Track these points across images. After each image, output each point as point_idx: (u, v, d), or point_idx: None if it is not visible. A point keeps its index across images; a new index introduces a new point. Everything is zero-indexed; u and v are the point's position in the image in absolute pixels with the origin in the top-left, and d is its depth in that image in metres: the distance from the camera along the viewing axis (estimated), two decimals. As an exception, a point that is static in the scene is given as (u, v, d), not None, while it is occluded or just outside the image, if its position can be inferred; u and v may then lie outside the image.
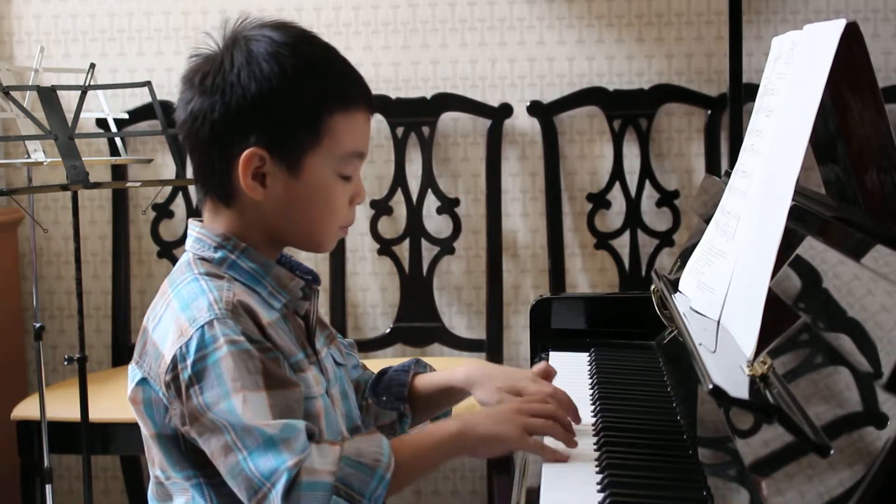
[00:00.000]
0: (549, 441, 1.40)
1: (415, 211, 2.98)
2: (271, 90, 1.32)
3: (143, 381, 1.32)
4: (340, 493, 1.21)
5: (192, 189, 2.89)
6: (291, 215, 1.36)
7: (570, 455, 1.38)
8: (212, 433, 1.24)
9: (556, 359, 1.87)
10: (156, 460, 1.35)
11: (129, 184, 2.68)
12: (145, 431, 1.35)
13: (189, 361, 1.26)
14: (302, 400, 1.29)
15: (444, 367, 1.66)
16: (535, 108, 2.93)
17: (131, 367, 1.35)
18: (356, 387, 1.58)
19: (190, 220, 1.42)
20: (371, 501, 1.22)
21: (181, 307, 1.30)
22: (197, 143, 1.36)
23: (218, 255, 1.36)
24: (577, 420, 1.47)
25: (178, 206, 3.01)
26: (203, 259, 1.36)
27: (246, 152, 1.32)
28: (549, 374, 1.57)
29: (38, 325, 2.44)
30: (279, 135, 1.33)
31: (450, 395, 1.57)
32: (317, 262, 2.99)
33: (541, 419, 1.37)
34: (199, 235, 1.38)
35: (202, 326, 1.27)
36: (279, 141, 1.33)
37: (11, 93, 2.33)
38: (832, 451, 0.96)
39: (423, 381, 1.57)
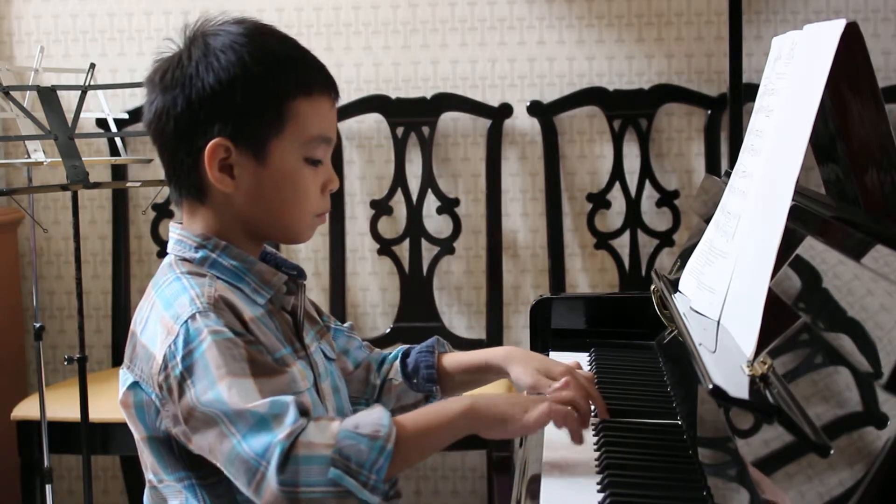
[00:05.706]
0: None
1: (415, 211, 2.97)
2: (230, 79, 1.32)
3: (135, 385, 1.32)
4: (338, 464, 1.17)
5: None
6: (263, 205, 1.36)
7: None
8: (206, 426, 1.23)
9: (556, 359, 1.87)
10: (148, 464, 1.35)
11: (129, 184, 2.68)
12: (137, 435, 1.34)
13: (179, 358, 1.25)
14: (291, 385, 1.28)
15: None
16: (535, 108, 2.93)
17: (122, 371, 1.36)
18: (366, 367, 1.59)
19: (170, 223, 1.42)
20: (372, 473, 1.18)
21: (164, 306, 1.31)
22: (164, 141, 1.37)
23: (199, 254, 1.36)
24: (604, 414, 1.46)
25: (178, 206, 3.00)
26: (184, 260, 1.37)
27: (210, 143, 1.32)
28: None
29: (38, 325, 2.44)
30: (242, 123, 1.33)
31: (485, 374, 1.57)
32: (317, 262, 2.99)
33: (559, 406, 1.34)
34: (180, 237, 1.38)
35: (186, 321, 1.27)
36: (242, 129, 1.33)
37: (11, 93, 2.33)
38: (832, 451, 0.96)
39: (452, 360, 1.57)
